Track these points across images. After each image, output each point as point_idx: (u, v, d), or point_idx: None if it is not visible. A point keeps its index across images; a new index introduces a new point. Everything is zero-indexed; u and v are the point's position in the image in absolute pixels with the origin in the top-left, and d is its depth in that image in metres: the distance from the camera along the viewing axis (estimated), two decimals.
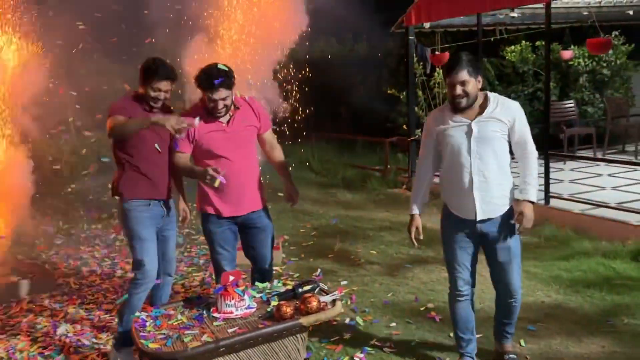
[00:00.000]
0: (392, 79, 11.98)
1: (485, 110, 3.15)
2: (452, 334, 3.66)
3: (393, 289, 4.85)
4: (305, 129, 9.92)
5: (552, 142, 7.51)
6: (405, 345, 3.82)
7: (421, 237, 3.39)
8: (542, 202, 6.53)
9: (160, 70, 3.48)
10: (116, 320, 4.01)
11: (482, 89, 3.21)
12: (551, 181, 6.72)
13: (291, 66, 6.87)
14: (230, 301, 3.08)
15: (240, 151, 3.58)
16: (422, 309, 4.40)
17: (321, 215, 7.64)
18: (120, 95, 3.92)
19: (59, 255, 6.36)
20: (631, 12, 9.29)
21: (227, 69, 3.45)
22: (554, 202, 6.59)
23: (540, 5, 7.88)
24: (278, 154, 3.85)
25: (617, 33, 10.13)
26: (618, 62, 10.28)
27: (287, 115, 6.75)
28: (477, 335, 3.59)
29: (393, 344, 3.83)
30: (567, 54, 9.63)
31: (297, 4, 5.51)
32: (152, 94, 3.51)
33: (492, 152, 3.14)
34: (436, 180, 3.41)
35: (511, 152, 3.25)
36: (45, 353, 3.97)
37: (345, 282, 5.04)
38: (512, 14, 9.33)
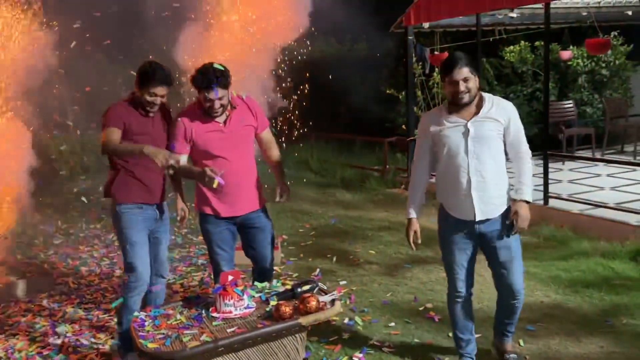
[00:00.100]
0: (391, 79, 11.97)
1: (481, 110, 3.15)
2: (451, 334, 3.66)
3: (392, 289, 4.86)
4: (304, 129, 9.93)
5: (551, 143, 7.52)
6: (404, 345, 3.82)
7: (419, 242, 3.39)
8: (541, 202, 6.54)
9: (157, 75, 3.44)
10: (115, 320, 4.00)
11: (479, 89, 3.21)
12: (550, 181, 6.73)
13: (290, 66, 6.86)
14: (229, 301, 3.07)
15: (237, 151, 3.57)
16: (421, 309, 4.40)
17: (320, 215, 7.64)
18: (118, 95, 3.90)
19: (58, 254, 6.35)
20: (630, 13, 9.29)
21: (223, 69, 3.44)
22: (552, 202, 6.59)
23: (540, 5, 7.89)
24: (274, 153, 3.83)
25: (616, 33, 10.13)
26: (617, 62, 10.28)
27: (286, 115, 6.76)
28: (476, 336, 3.59)
29: (392, 344, 3.83)
30: (566, 54, 9.64)
31: (296, 3, 5.50)
32: (149, 98, 3.48)
33: (489, 152, 3.14)
34: (432, 180, 3.41)
35: (505, 153, 3.25)
36: (44, 353, 3.97)
37: (344, 282, 5.04)
38: (511, 14, 9.32)
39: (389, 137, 10.23)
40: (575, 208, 6.42)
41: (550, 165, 6.77)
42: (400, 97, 10.30)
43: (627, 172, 7.97)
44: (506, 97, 9.50)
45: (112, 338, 4.07)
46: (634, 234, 5.49)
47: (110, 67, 9.28)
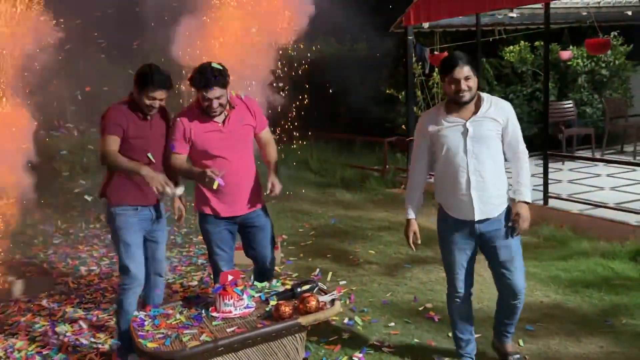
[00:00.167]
0: (391, 79, 11.97)
1: (480, 110, 3.15)
2: (450, 334, 3.66)
3: (392, 289, 4.85)
4: (304, 129, 9.93)
5: (550, 143, 7.52)
6: (404, 345, 3.82)
7: (419, 242, 3.39)
8: (541, 202, 6.54)
9: (156, 79, 3.39)
10: (114, 320, 4.00)
11: (479, 89, 3.22)
12: (550, 181, 6.73)
13: (290, 66, 6.87)
14: (229, 301, 3.07)
15: (236, 151, 3.56)
16: (420, 308, 4.40)
17: (320, 215, 7.64)
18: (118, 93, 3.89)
19: (57, 254, 6.35)
20: (630, 13, 9.29)
21: (221, 68, 3.43)
22: (552, 202, 6.59)
23: (539, 5, 7.89)
24: (271, 152, 3.77)
25: (615, 33, 10.13)
26: (617, 62, 10.28)
27: (286, 115, 6.76)
28: (476, 336, 3.59)
29: (392, 344, 3.83)
30: (565, 55, 9.64)
31: (297, 4, 5.50)
32: (147, 102, 3.44)
33: (488, 151, 3.14)
34: (430, 180, 3.40)
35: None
36: (44, 352, 3.96)
37: (344, 282, 5.04)
38: (511, 14, 9.32)
39: (388, 137, 10.23)
40: (575, 208, 6.42)
41: (550, 165, 6.77)
42: (400, 97, 10.30)
43: (627, 172, 7.97)
44: (506, 97, 9.54)
45: (111, 337, 4.07)
46: (633, 234, 5.49)
47: (110, 67, 9.29)
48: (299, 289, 3.24)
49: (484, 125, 3.13)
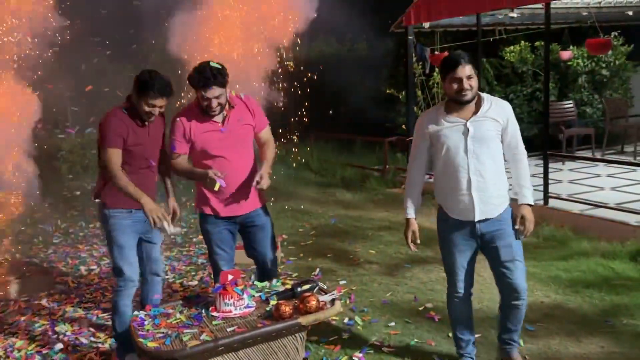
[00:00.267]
0: (391, 79, 11.97)
1: (480, 110, 3.14)
2: (451, 334, 3.66)
3: (392, 289, 4.85)
4: (304, 129, 9.93)
5: (551, 143, 7.51)
6: (404, 345, 3.82)
7: (418, 242, 3.37)
8: (541, 202, 6.53)
9: (157, 86, 3.34)
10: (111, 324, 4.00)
11: (478, 89, 3.21)
12: (550, 181, 6.73)
13: (290, 66, 6.86)
14: (229, 300, 3.07)
15: (236, 150, 3.55)
16: (421, 308, 4.40)
17: (320, 215, 7.64)
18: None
19: (57, 254, 6.35)
20: (631, 13, 9.29)
21: (220, 67, 3.41)
22: (552, 203, 6.59)
23: (540, 5, 7.88)
24: (266, 150, 3.69)
25: (616, 34, 10.13)
26: (617, 62, 10.28)
27: (286, 114, 6.75)
28: (476, 336, 3.59)
29: (392, 344, 3.83)
30: (566, 55, 9.64)
31: (297, 4, 5.50)
32: (146, 109, 3.40)
33: (488, 151, 3.13)
34: (430, 180, 3.39)
35: None
36: (44, 351, 3.96)
37: (344, 282, 5.04)
38: (512, 14, 9.32)
39: (389, 137, 10.23)
40: (575, 208, 6.42)
41: (550, 165, 6.77)
42: (401, 96, 10.30)
43: (627, 172, 7.97)
44: (506, 97, 9.56)
45: (111, 337, 4.07)
46: (634, 234, 5.49)
47: (110, 67, 9.29)
48: (299, 289, 3.23)
49: (484, 125, 3.12)
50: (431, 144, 3.26)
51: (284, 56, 6.12)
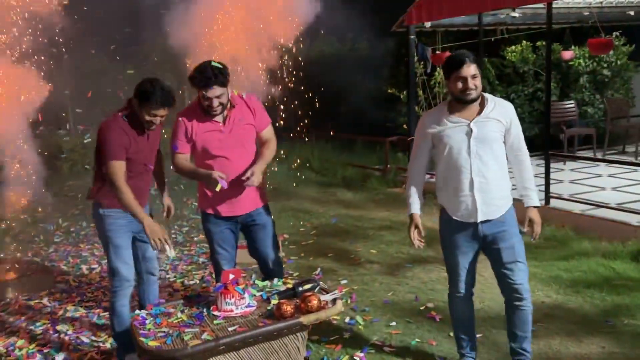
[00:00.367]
0: (392, 79, 11.97)
1: (484, 110, 3.12)
2: (452, 334, 3.65)
3: (393, 288, 4.85)
4: (305, 128, 9.93)
5: (552, 143, 7.51)
6: (405, 344, 3.82)
7: (423, 237, 3.31)
8: (542, 202, 6.53)
9: (159, 96, 3.29)
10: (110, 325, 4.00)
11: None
12: (551, 181, 6.72)
13: (291, 65, 6.86)
14: (230, 299, 3.07)
15: (237, 150, 3.54)
16: (422, 308, 4.40)
17: (321, 215, 7.64)
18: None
19: (58, 253, 6.36)
20: (632, 13, 9.30)
21: (221, 66, 3.40)
22: (554, 203, 6.59)
23: (541, 5, 7.87)
24: (265, 149, 3.65)
25: (617, 34, 10.12)
26: (619, 62, 10.28)
27: (287, 114, 6.74)
28: (477, 335, 3.59)
29: (393, 344, 3.83)
30: (567, 55, 9.63)
31: (298, 3, 5.49)
32: (148, 118, 3.37)
33: (492, 152, 3.12)
34: (432, 180, 3.38)
35: None
36: (45, 350, 3.97)
37: (345, 281, 5.04)
38: (513, 14, 9.32)
39: (390, 137, 10.23)
40: (577, 208, 6.41)
41: (551, 165, 6.76)
42: (402, 96, 10.30)
43: (629, 172, 7.97)
44: (507, 97, 9.55)
45: (114, 349, 4.07)
46: (635, 234, 5.49)
47: (110, 66, 9.30)
48: (300, 288, 3.23)
49: (488, 126, 3.11)
50: (433, 144, 3.24)
51: (285, 56, 6.12)
